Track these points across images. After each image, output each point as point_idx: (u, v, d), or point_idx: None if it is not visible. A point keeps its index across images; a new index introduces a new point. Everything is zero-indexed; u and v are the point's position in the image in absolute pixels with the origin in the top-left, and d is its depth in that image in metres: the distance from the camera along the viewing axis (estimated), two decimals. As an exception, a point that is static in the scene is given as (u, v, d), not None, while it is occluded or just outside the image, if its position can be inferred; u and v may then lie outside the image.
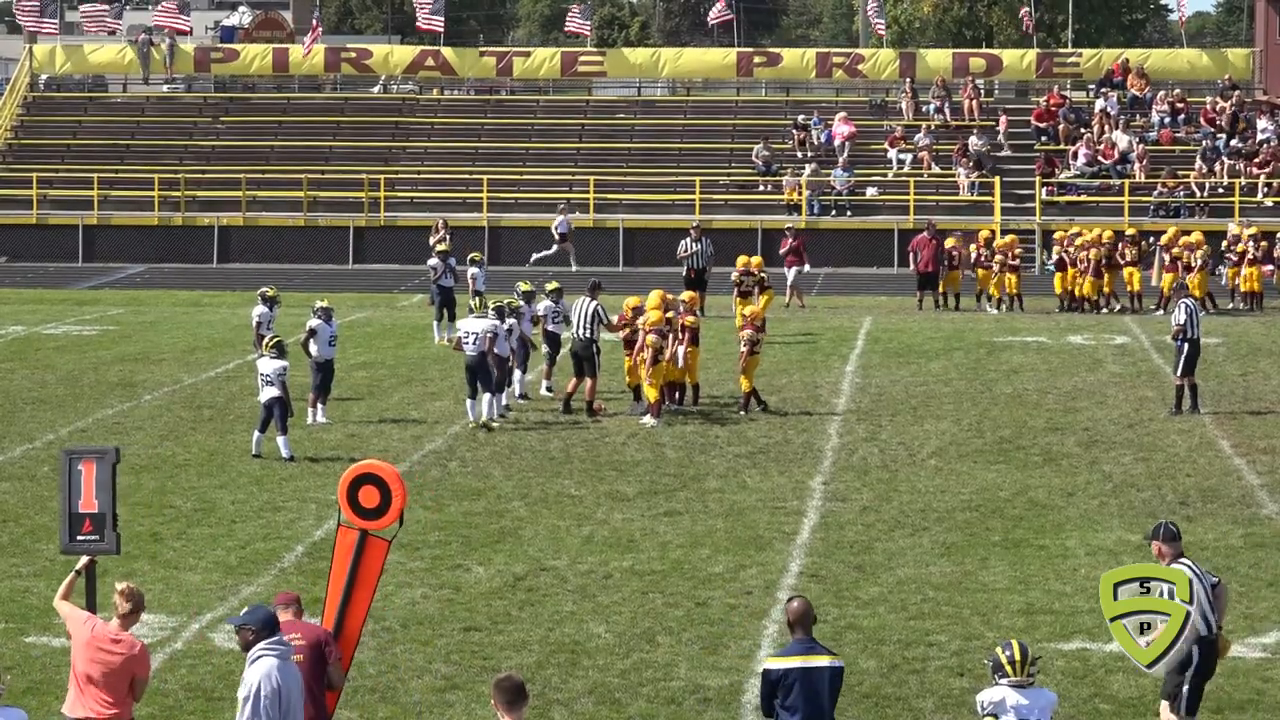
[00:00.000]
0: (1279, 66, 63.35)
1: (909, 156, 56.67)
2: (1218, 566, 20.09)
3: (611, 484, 24.63)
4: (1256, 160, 54.71)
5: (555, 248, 52.32)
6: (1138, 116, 57.81)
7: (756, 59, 63.01)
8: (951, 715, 15.60)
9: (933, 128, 57.95)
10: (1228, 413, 29.95)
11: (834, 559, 20.71)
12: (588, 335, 29.95)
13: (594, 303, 30.23)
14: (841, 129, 57.12)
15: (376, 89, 66.11)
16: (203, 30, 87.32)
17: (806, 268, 45.49)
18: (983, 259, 44.26)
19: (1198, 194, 53.85)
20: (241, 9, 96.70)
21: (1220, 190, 53.86)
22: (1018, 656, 12.37)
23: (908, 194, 54.70)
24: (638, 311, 29.79)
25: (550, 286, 32.40)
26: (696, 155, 58.47)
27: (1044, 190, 54.04)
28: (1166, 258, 43.50)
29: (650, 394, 28.83)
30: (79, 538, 13.23)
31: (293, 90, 63.99)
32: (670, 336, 29.31)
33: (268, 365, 26.37)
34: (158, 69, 63.86)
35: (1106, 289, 43.82)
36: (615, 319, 30.39)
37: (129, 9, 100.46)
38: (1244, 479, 24.90)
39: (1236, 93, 57.83)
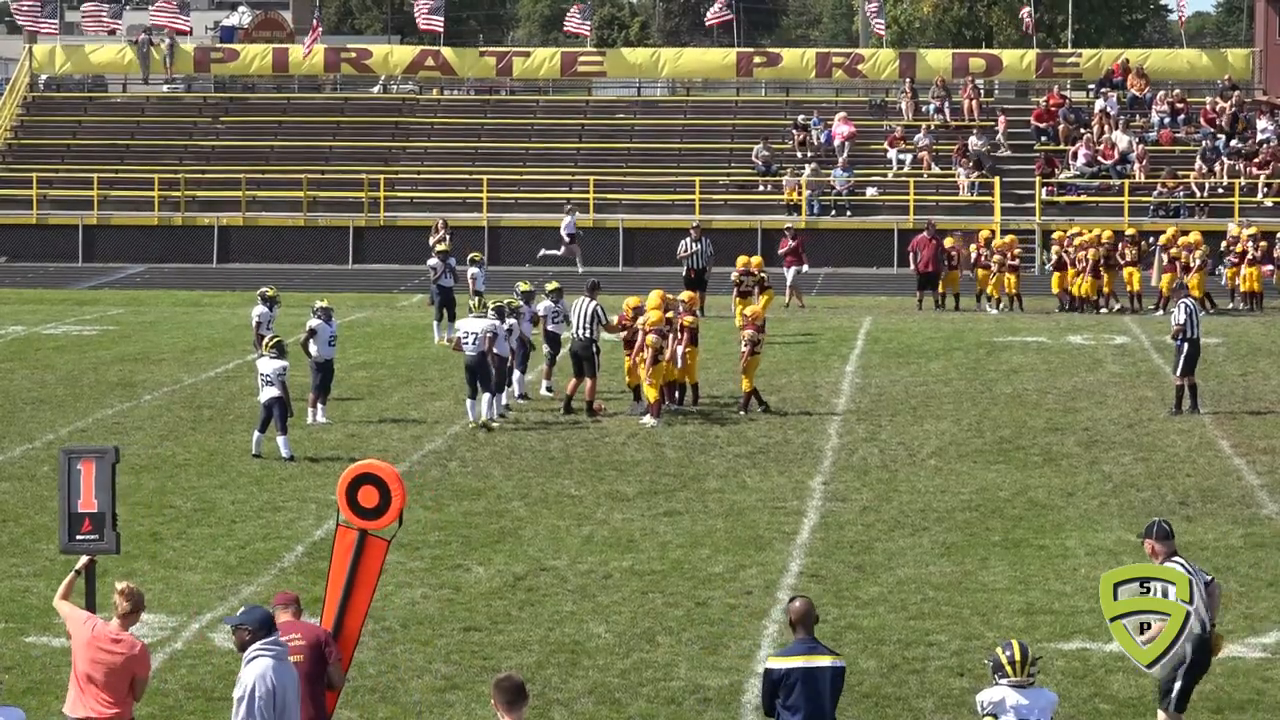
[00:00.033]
0: (1279, 66, 63.36)
1: (909, 156, 56.68)
2: (1218, 566, 20.11)
3: (611, 484, 24.63)
4: (1256, 160, 54.72)
5: (563, 249, 52.36)
6: (1137, 116, 57.81)
7: (756, 59, 63.02)
8: (951, 715, 15.60)
9: (932, 128, 57.95)
10: (1228, 413, 29.95)
11: (834, 559, 20.71)
12: (587, 335, 29.95)
13: (593, 303, 30.23)
14: (841, 129, 57.13)
15: (376, 89, 66.11)
16: (203, 30, 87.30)
17: (805, 268, 45.49)
18: (982, 259, 44.28)
19: (1197, 194, 53.85)
20: (241, 9, 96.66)
21: (1220, 190, 53.87)
22: (1018, 656, 12.37)
23: (908, 194, 54.71)
24: (638, 311, 29.79)
25: (550, 286, 32.40)
26: (696, 155, 58.48)
27: (1044, 190, 54.04)
28: (1165, 258, 43.52)
29: (650, 394, 28.83)
30: (78, 537, 13.22)
31: (293, 90, 63.99)
32: (670, 336, 29.31)
33: (268, 365, 26.37)
34: (158, 69, 63.86)
35: (1106, 289, 43.83)
36: (615, 319, 30.39)
37: (129, 9, 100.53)
38: (1244, 479, 24.90)
39: (1236, 93, 57.84)
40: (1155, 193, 53.71)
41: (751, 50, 66.39)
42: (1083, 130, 56.53)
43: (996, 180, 54.35)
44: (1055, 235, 45.97)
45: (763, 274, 39.38)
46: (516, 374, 30.86)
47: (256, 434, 26.52)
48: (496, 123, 60.95)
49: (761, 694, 12.73)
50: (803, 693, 12.36)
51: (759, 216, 54.44)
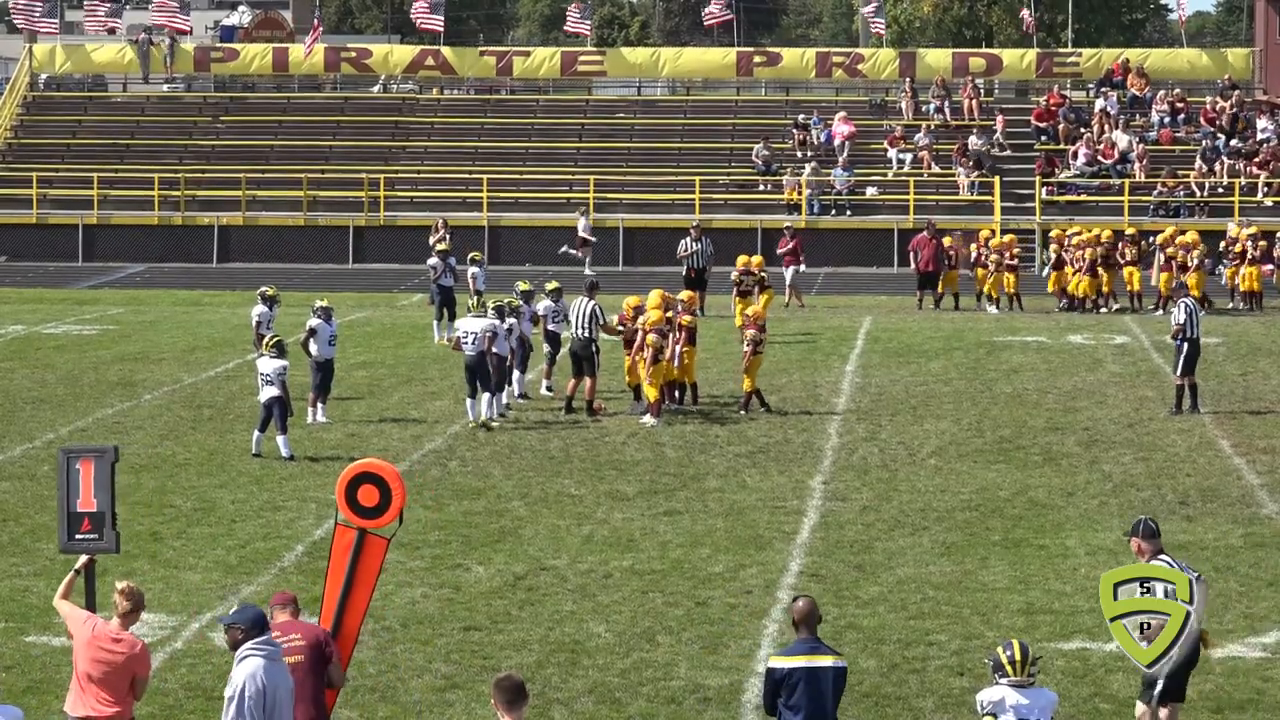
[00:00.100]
0: (1279, 66, 63.35)
1: (909, 156, 56.68)
2: (1218, 566, 20.13)
3: (611, 483, 24.63)
4: (1256, 160, 54.72)
5: (579, 250, 52.48)
6: (1138, 116, 57.81)
7: (756, 59, 63.03)
8: (951, 715, 15.60)
9: (933, 127, 57.95)
10: (1228, 412, 29.95)
11: (834, 558, 20.70)
12: (586, 335, 29.94)
13: (591, 302, 30.22)
14: (841, 129, 57.13)
15: (376, 89, 66.11)
16: (203, 30, 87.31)
17: (802, 267, 45.44)
18: (982, 258, 44.28)
19: (1197, 194, 53.86)
20: (241, 8, 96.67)
21: (1220, 190, 53.87)
22: (1018, 656, 12.37)
23: (908, 194, 54.71)
24: (638, 311, 29.79)
25: (550, 286, 32.39)
26: (696, 155, 58.48)
27: (1044, 190, 54.05)
28: (1162, 257, 43.53)
29: (650, 393, 28.83)
30: (77, 537, 13.22)
31: (293, 90, 63.99)
32: (670, 336, 29.30)
33: (267, 365, 26.37)
34: (158, 68, 63.85)
35: (1106, 288, 43.82)
36: (615, 318, 30.38)
37: (129, 8, 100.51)
38: (1244, 479, 24.90)
39: (1236, 92, 57.84)
40: (1155, 192, 53.72)
41: (751, 50, 66.38)
42: (1083, 130, 56.54)
43: (996, 180, 54.35)
44: (1053, 234, 46.00)
45: (763, 273, 39.39)
46: (516, 373, 30.86)
47: (256, 433, 26.52)
48: (496, 122, 60.95)
49: (763, 693, 12.73)
50: (805, 692, 12.36)
51: (759, 216, 54.43)
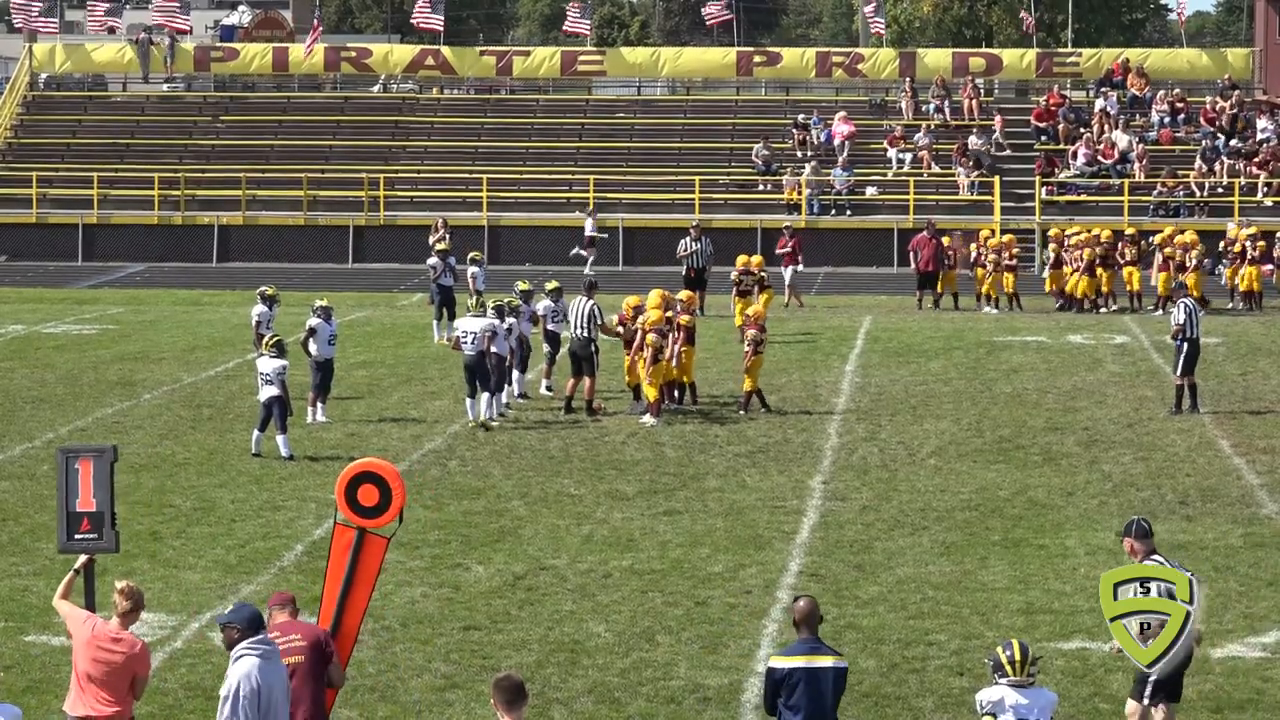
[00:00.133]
0: (1279, 66, 63.35)
1: (909, 156, 56.68)
2: (1218, 566, 20.14)
3: (611, 483, 24.63)
4: (1256, 160, 54.71)
5: (587, 250, 52.51)
6: (1137, 116, 57.81)
7: (756, 58, 63.02)
8: (951, 715, 15.60)
9: (932, 127, 57.95)
10: (1227, 412, 29.95)
11: (834, 558, 20.70)
12: (585, 335, 29.93)
13: (590, 302, 30.21)
14: (841, 128, 57.13)
15: (376, 88, 66.09)
16: (203, 29, 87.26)
17: (799, 267, 45.41)
18: (981, 258, 44.29)
19: (1197, 194, 53.85)
20: (241, 8, 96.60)
21: (1220, 190, 53.87)
22: (1018, 656, 12.37)
23: (908, 194, 54.71)
24: (638, 311, 29.79)
25: (550, 286, 32.38)
26: (696, 155, 58.48)
27: (1044, 190, 54.04)
28: (1160, 257, 43.53)
29: (650, 393, 28.82)
30: (76, 536, 13.22)
31: (293, 90, 63.99)
32: (669, 336, 29.30)
33: (267, 364, 26.37)
34: (158, 68, 63.84)
35: (1105, 288, 43.82)
36: (615, 318, 30.37)
37: (129, 8, 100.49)
38: (1244, 479, 24.89)
39: (1236, 92, 57.83)
40: (1155, 192, 53.71)
41: (751, 50, 66.37)
42: (1083, 130, 56.53)
43: (996, 180, 54.35)
44: (1052, 233, 46.02)
45: (762, 273, 39.40)
46: (516, 373, 30.85)
47: (256, 433, 26.52)
48: (496, 122, 60.95)
49: (764, 693, 12.73)
50: (805, 693, 12.36)
51: (759, 216, 54.42)
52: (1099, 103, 57.75)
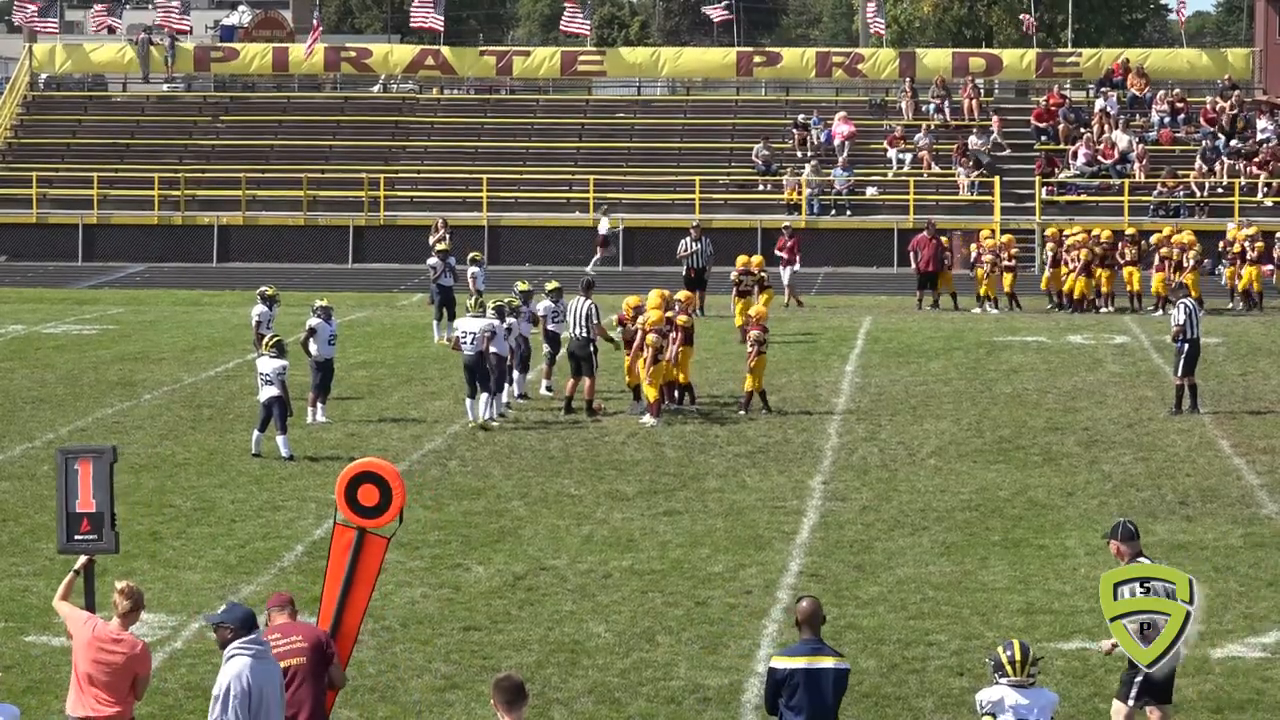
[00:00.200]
0: (1279, 66, 63.34)
1: (909, 156, 56.68)
2: (1218, 566, 20.15)
3: (611, 483, 24.63)
4: (1256, 160, 54.72)
5: (599, 251, 52.48)
6: (1137, 116, 57.81)
7: (756, 59, 63.02)
8: (951, 715, 15.60)
9: (932, 127, 57.95)
10: (1227, 413, 29.94)
11: (834, 559, 20.70)
12: (584, 335, 29.92)
13: (588, 302, 30.21)
14: (841, 129, 57.13)
15: (376, 88, 66.11)
16: (203, 29, 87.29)
17: (796, 267, 45.37)
18: (979, 259, 44.29)
19: (1197, 194, 53.86)
20: (241, 8, 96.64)
21: (1220, 190, 53.87)
22: (1018, 656, 12.37)
23: (908, 194, 54.71)
24: (638, 311, 29.78)
25: (549, 286, 32.38)
26: (696, 155, 58.48)
27: (1044, 190, 54.05)
28: (1156, 257, 43.54)
29: (650, 393, 28.82)
30: (76, 537, 13.21)
31: (293, 90, 64.00)
32: (669, 336, 29.29)
33: (267, 364, 26.37)
34: (158, 68, 63.86)
35: (1104, 288, 43.81)
36: (614, 318, 30.35)
37: (129, 8, 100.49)
38: (1244, 479, 24.89)
39: (1236, 93, 57.83)
40: (1155, 192, 53.72)
41: (751, 50, 66.38)
42: (1083, 130, 56.54)
43: (996, 180, 54.35)
44: (1049, 233, 46.03)
45: (763, 273, 39.41)
46: (516, 373, 30.84)
47: (256, 433, 26.52)
48: (496, 122, 60.95)
49: (765, 693, 12.73)
50: (806, 693, 12.36)
51: (759, 216, 54.42)
52: (1099, 103, 57.76)
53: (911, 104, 59.13)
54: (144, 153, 59.63)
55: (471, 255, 40.35)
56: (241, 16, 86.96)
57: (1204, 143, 55.50)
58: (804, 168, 55.93)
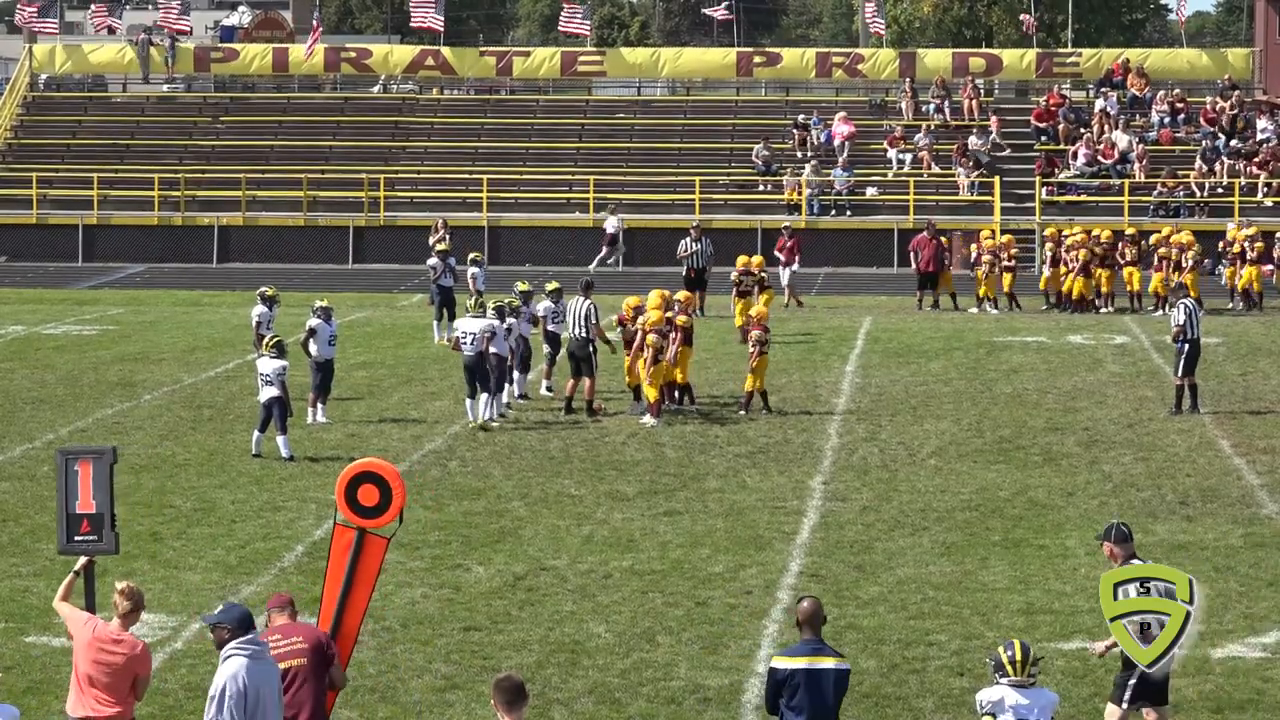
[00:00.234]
0: (1279, 66, 63.34)
1: (909, 156, 56.68)
2: (1218, 566, 20.15)
3: (611, 484, 24.63)
4: (1256, 160, 54.72)
5: (605, 249, 52.46)
6: (1137, 116, 57.81)
7: (756, 59, 63.03)
8: (951, 715, 15.60)
9: (932, 128, 57.95)
10: (1228, 413, 29.94)
11: (834, 559, 20.70)
12: (584, 335, 29.92)
13: (587, 302, 30.20)
14: (841, 129, 57.13)
15: (376, 89, 66.13)
16: (203, 30, 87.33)
17: (795, 267, 45.37)
18: (979, 259, 44.30)
19: (1197, 194, 53.86)
20: (241, 9, 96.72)
21: (1220, 190, 53.88)
22: (1019, 656, 12.37)
23: (908, 194, 54.71)
24: (638, 311, 29.78)
25: (550, 287, 32.38)
26: (696, 155, 58.48)
27: (1044, 190, 54.05)
28: (1155, 257, 43.55)
29: (650, 394, 28.82)
30: (76, 538, 13.21)
31: (293, 90, 63.99)
32: (669, 336, 29.29)
33: (267, 365, 26.37)
34: (158, 69, 63.86)
35: (1104, 288, 43.81)
36: (614, 318, 30.34)
37: (129, 8, 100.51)
38: (1244, 479, 24.89)
39: (1236, 93, 57.83)
40: (1155, 192, 53.72)
41: (751, 50, 66.39)
42: (1083, 130, 56.53)
43: (996, 180, 54.36)
44: (1048, 233, 46.04)
45: (763, 274, 39.42)
46: (516, 374, 30.84)
47: (256, 434, 26.52)
48: (496, 123, 60.95)
49: (765, 693, 12.73)
50: (806, 694, 12.35)
51: (759, 216, 54.42)
52: (1099, 103, 57.76)
53: (911, 104, 59.14)
54: (144, 153, 59.64)
55: (471, 256, 40.36)
56: (241, 17, 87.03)
57: (1204, 143, 55.50)
58: (804, 168, 55.92)
